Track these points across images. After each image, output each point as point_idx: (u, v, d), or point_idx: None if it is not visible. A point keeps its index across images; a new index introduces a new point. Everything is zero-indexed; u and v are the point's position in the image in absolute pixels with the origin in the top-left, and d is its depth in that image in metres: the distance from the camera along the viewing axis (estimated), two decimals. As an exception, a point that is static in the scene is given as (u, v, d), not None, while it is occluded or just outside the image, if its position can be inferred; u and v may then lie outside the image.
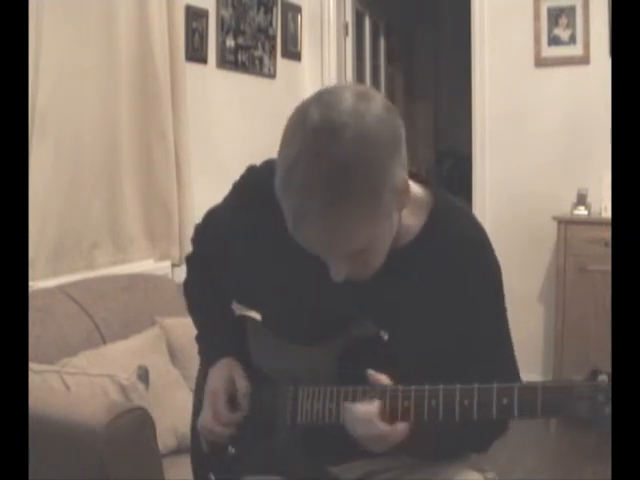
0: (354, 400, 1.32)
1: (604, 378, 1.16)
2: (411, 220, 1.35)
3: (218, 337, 1.57)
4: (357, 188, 1.16)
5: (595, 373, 1.18)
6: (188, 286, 1.66)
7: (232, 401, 1.50)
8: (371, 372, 1.31)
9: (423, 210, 1.37)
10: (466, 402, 1.23)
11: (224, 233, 1.52)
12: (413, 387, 1.27)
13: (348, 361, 1.37)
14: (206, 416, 1.51)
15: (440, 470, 1.44)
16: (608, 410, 1.14)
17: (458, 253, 1.35)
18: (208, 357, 1.57)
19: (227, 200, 1.52)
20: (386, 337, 1.35)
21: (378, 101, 1.21)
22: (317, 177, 1.15)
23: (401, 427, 1.27)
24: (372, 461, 1.44)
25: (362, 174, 1.16)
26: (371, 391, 1.30)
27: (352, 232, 1.20)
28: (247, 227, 1.45)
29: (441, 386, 1.25)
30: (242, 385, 1.48)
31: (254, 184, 1.44)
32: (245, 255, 1.48)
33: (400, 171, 1.22)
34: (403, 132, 1.23)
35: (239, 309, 1.59)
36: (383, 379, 1.31)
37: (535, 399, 1.19)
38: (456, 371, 1.29)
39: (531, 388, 1.20)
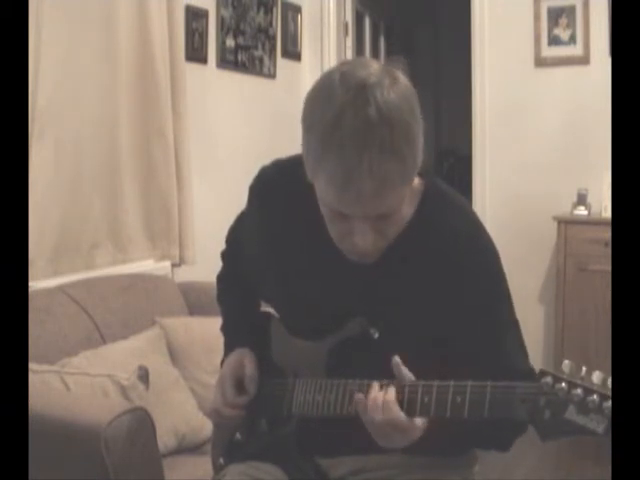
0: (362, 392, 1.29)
1: (547, 380, 1.14)
2: (404, 208, 1.35)
3: (237, 329, 1.64)
4: (402, 143, 1.17)
5: (541, 374, 1.15)
6: (220, 279, 1.73)
7: (240, 386, 1.53)
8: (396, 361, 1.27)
9: (415, 198, 1.37)
10: (426, 399, 1.23)
11: (244, 233, 1.59)
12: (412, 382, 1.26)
13: (338, 356, 1.38)
14: (214, 399, 1.55)
15: (435, 473, 1.42)
16: (548, 414, 1.13)
17: (445, 244, 1.34)
18: (226, 347, 1.63)
19: (247, 201, 1.56)
20: (376, 335, 1.35)
21: (404, 79, 1.24)
22: (367, 127, 1.15)
23: (419, 421, 1.24)
24: (362, 457, 1.44)
25: (406, 130, 1.18)
26: (387, 383, 1.28)
27: (392, 189, 1.19)
28: (261, 226, 1.49)
29: (407, 382, 1.25)
30: (249, 370, 1.51)
31: (266, 184, 1.49)
32: (259, 252, 1.52)
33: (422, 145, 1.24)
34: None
35: (264, 305, 1.64)
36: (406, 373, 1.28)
37: (484, 399, 1.19)
38: (451, 367, 1.27)
39: (481, 387, 1.19)
